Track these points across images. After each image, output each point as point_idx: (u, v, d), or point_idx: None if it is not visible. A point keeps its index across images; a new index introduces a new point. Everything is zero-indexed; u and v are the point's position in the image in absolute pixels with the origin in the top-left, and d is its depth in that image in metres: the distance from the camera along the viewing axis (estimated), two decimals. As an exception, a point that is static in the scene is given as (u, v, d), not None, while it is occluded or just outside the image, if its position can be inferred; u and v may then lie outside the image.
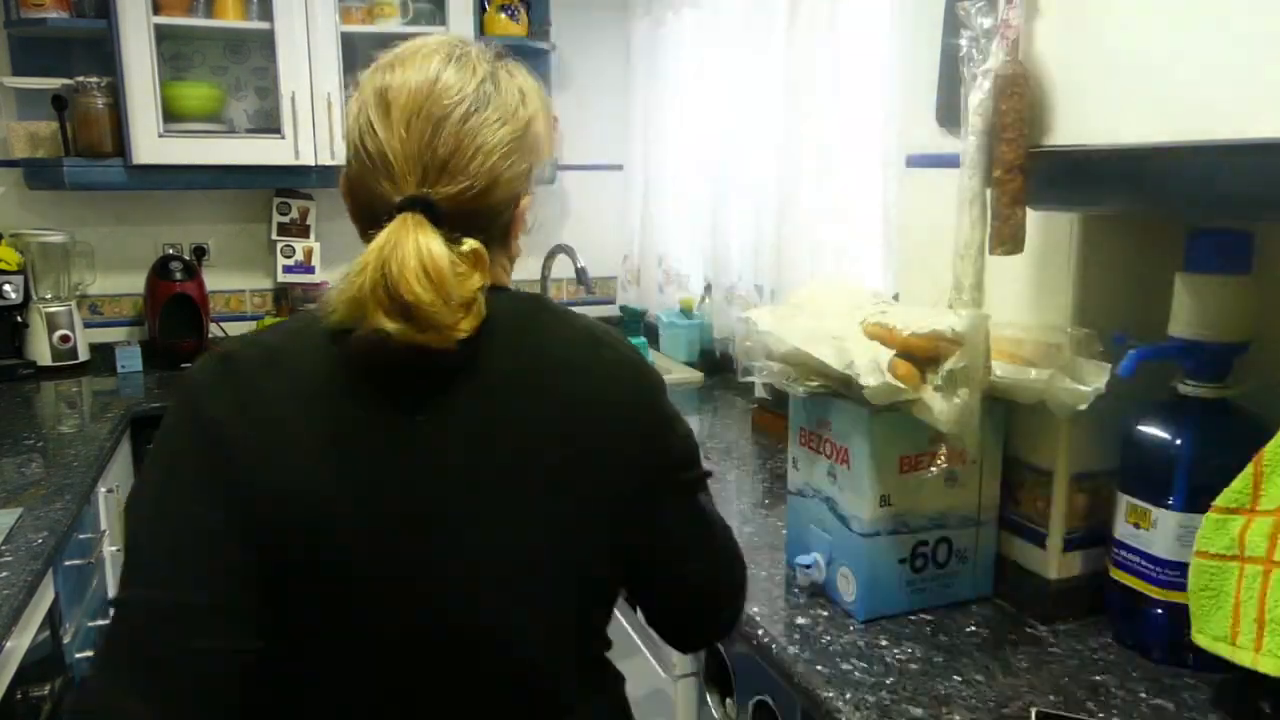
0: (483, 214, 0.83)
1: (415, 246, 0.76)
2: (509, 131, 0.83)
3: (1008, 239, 1.06)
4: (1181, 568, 1.07)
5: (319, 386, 0.81)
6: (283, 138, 2.68)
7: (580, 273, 2.76)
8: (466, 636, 0.84)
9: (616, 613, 1.73)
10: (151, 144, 2.58)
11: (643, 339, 2.49)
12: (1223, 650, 0.98)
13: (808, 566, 1.29)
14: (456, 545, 0.82)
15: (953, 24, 1.18)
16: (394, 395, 0.82)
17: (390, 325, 0.75)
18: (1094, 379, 1.10)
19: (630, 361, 0.92)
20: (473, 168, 0.81)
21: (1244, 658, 0.95)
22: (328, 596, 0.81)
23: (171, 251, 2.89)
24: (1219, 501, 0.99)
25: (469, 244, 0.79)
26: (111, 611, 0.78)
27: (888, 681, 1.08)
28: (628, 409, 0.89)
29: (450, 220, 0.79)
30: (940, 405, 1.10)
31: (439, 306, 0.75)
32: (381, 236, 0.78)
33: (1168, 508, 1.10)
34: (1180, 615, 1.04)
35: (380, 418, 0.81)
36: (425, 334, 0.76)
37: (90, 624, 1.78)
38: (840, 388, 1.21)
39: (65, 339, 2.72)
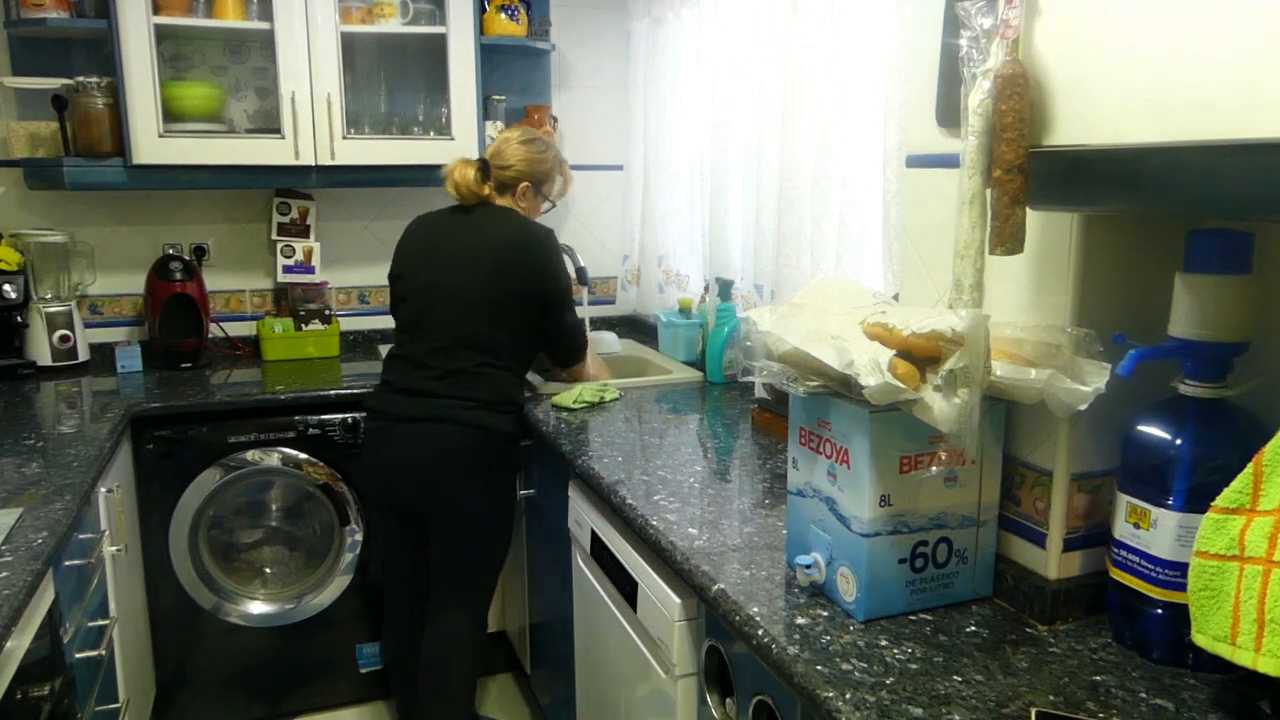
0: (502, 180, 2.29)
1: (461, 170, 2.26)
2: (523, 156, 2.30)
3: (1008, 239, 1.06)
4: (1181, 568, 1.07)
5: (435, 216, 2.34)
6: (283, 138, 2.69)
7: (580, 273, 2.76)
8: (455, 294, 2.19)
9: (617, 612, 1.73)
10: (151, 144, 2.58)
11: (730, 303, 2.53)
12: (1223, 650, 0.97)
13: (808, 566, 1.29)
14: (458, 270, 2.19)
15: (953, 24, 1.18)
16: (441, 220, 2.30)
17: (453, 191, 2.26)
18: (1094, 379, 1.10)
19: (538, 227, 2.25)
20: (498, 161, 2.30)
21: (1244, 658, 0.95)
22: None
23: (171, 251, 2.89)
24: (1219, 501, 0.99)
25: (488, 184, 2.27)
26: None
27: (888, 681, 1.09)
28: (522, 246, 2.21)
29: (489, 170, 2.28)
30: (940, 405, 1.10)
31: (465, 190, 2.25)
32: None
33: (1167, 508, 1.11)
34: (1180, 615, 1.04)
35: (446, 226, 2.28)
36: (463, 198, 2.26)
37: (90, 624, 1.78)
38: (840, 388, 1.21)
39: (65, 339, 2.72)
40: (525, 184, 2.27)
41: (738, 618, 1.25)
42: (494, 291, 2.15)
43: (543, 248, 2.21)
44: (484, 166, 2.25)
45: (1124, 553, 1.16)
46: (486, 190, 2.25)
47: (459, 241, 2.21)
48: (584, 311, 2.96)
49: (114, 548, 2.01)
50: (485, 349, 2.15)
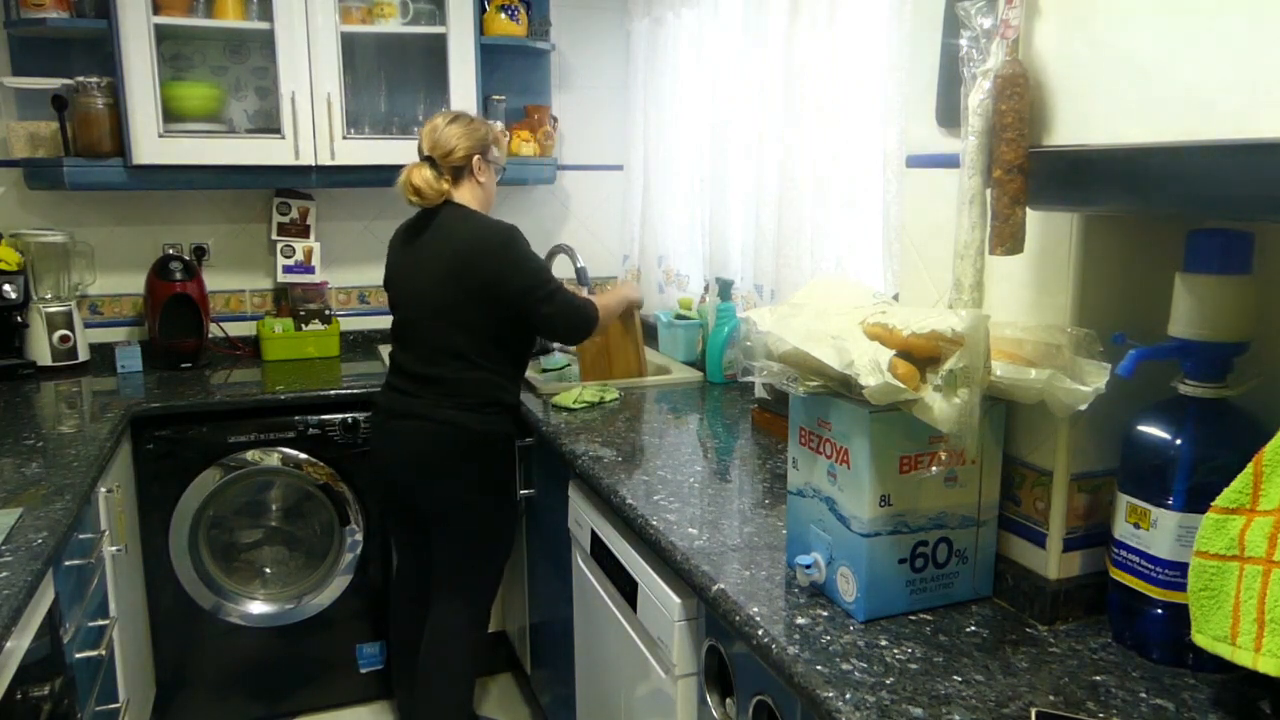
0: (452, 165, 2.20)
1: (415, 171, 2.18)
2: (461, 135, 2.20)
3: (1008, 239, 1.07)
4: (1181, 568, 1.07)
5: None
6: (283, 138, 2.69)
7: (580, 273, 2.76)
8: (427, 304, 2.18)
9: (618, 613, 1.73)
10: (151, 144, 2.58)
11: (730, 303, 2.52)
12: (1223, 650, 0.98)
13: (808, 566, 1.29)
14: (423, 278, 2.17)
15: (953, 24, 1.18)
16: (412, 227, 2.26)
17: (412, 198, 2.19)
18: (1094, 379, 1.10)
19: (494, 227, 2.16)
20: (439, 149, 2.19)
21: (1244, 658, 0.95)
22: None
23: (171, 251, 2.89)
24: (1219, 501, 0.99)
25: (445, 177, 2.18)
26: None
27: (888, 681, 1.09)
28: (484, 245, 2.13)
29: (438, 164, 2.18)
30: (940, 405, 1.10)
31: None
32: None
33: (1168, 508, 1.11)
34: (1180, 615, 1.04)
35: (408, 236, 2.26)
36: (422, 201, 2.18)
37: (90, 624, 1.78)
38: (840, 388, 1.21)
39: (65, 339, 2.72)
40: (476, 157, 2.21)
41: (738, 618, 1.25)
42: (461, 298, 2.11)
43: (501, 248, 2.11)
44: (433, 163, 2.17)
45: (1124, 553, 1.16)
46: (446, 185, 2.17)
47: (428, 250, 2.17)
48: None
49: (114, 548, 2.01)
50: (460, 355, 2.14)
